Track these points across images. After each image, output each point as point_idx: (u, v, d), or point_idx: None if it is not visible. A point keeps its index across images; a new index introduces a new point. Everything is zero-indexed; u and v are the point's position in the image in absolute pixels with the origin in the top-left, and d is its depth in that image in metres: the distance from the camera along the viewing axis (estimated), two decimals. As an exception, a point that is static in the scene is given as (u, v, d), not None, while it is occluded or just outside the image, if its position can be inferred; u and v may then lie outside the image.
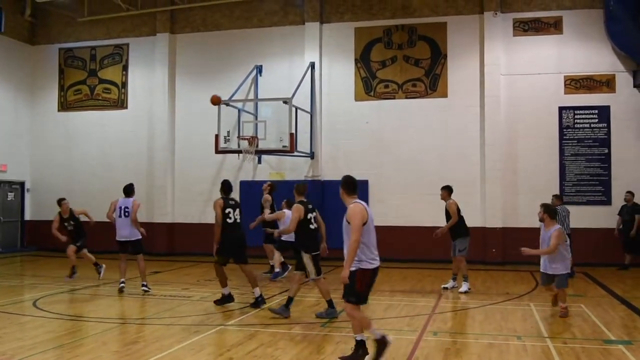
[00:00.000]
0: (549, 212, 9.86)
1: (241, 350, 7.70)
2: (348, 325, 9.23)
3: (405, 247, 18.30)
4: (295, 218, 9.81)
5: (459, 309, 10.96)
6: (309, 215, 9.97)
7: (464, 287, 12.57)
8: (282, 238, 13.80)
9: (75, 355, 7.45)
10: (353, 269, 6.80)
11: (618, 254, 16.65)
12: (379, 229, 19.17)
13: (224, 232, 10.63)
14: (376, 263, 7.00)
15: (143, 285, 12.33)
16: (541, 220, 9.91)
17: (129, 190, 12.68)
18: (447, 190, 13.02)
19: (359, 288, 6.85)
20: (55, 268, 16.50)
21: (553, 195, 15.65)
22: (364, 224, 6.83)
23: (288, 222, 13.39)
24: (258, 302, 10.64)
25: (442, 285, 12.98)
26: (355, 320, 7.07)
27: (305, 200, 10.20)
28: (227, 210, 10.70)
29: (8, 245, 21.35)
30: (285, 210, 13.93)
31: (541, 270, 10.11)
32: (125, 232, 12.38)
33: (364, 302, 7.03)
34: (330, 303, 9.94)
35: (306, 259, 9.73)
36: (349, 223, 6.88)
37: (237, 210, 10.90)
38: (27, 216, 22.18)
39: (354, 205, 6.99)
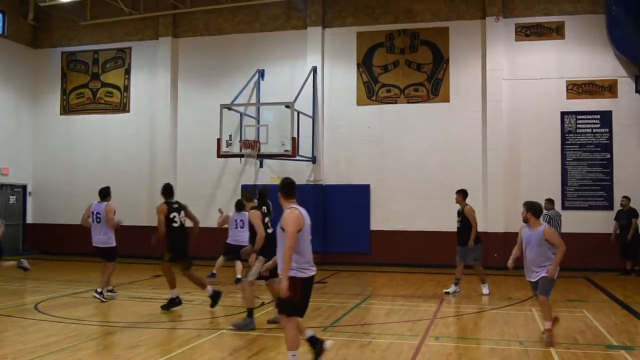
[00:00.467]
0: (534, 210, 8.70)
1: (243, 355, 7.70)
2: (350, 330, 9.25)
3: (407, 252, 18.29)
4: (259, 224, 9.37)
5: (461, 314, 10.94)
6: (266, 219, 9.59)
7: (486, 289, 12.81)
8: (230, 242, 13.97)
9: (77, 359, 7.44)
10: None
11: (619, 259, 16.63)
12: (381, 234, 19.23)
13: (171, 237, 10.64)
14: (310, 272, 6.61)
15: (97, 292, 11.62)
16: (525, 220, 8.78)
17: (103, 194, 12.05)
18: (463, 194, 12.96)
19: (291, 298, 6.46)
20: (57, 271, 16.51)
21: (546, 200, 15.73)
22: (299, 230, 6.49)
23: (234, 225, 13.99)
24: (215, 298, 10.73)
25: (444, 290, 12.96)
26: (287, 334, 6.67)
27: (256, 205, 9.92)
28: (172, 215, 10.66)
29: (10, 249, 21.24)
30: (230, 214, 14.07)
31: (530, 279, 8.73)
32: (98, 238, 11.87)
33: (299, 313, 6.68)
34: (250, 312, 9.39)
35: (259, 262, 9.21)
36: (283, 230, 6.49)
37: (182, 213, 10.89)
38: (29, 219, 22.19)
39: (290, 211, 6.60)
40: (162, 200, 10.92)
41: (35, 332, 9.00)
